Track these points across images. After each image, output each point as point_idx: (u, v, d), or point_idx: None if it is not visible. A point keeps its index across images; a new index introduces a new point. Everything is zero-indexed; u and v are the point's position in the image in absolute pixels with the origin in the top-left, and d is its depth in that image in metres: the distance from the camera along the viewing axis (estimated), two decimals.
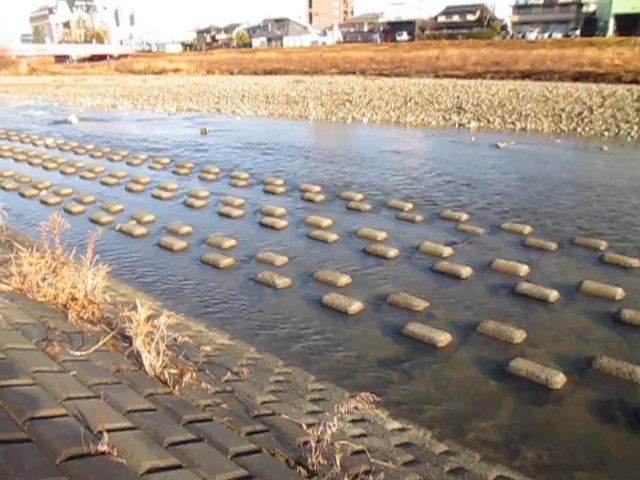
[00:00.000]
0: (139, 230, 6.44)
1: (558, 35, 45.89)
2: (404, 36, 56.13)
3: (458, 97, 20.03)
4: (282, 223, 6.61)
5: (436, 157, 10.88)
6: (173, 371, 2.23)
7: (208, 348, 3.04)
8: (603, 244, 5.72)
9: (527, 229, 6.25)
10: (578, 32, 45.40)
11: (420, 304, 4.39)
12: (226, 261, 5.37)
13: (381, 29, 62.09)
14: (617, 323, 4.06)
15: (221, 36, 77.12)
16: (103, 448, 1.55)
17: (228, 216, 7.06)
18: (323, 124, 17.15)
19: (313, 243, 6.01)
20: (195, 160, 10.89)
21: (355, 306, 4.34)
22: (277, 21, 70.61)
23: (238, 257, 5.54)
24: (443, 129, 14.86)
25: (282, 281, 4.84)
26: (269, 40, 68.99)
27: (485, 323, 4.02)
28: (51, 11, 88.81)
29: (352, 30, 65.89)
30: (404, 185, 8.56)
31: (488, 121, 15.34)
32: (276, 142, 12.90)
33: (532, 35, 47.18)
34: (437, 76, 31.24)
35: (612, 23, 43.76)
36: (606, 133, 13.18)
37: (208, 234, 6.26)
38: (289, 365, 3.42)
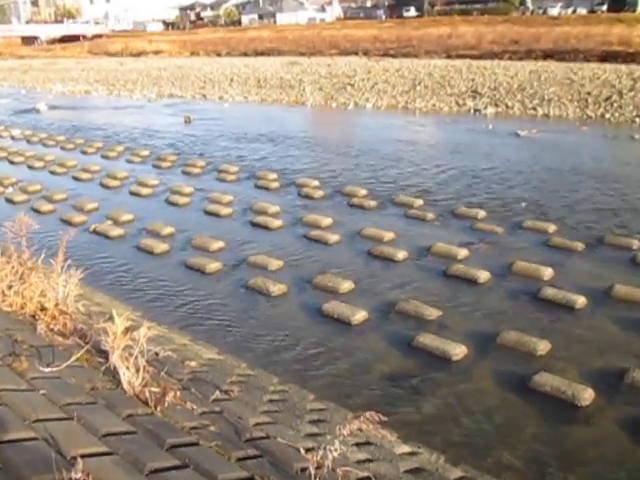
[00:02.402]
0: (116, 231, 6.44)
1: (583, 11, 45.98)
2: (412, 12, 56.20)
3: (473, 80, 20.06)
4: (276, 222, 6.62)
5: (449, 147, 10.90)
6: (154, 389, 2.23)
7: (194, 364, 3.04)
8: (636, 243, 5.73)
9: (551, 227, 6.26)
10: (605, 7, 45.48)
11: (432, 313, 4.39)
12: (213, 266, 5.37)
13: (386, 4, 62.20)
14: None
15: (207, 13, 77.15)
16: (77, 476, 1.55)
17: (215, 215, 7.06)
18: (322, 111, 17.16)
19: (311, 245, 6.01)
20: (178, 152, 10.90)
21: (359, 315, 4.34)
22: None
23: (227, 261, 5.55)
24: (456, 116, 14.89)
25: (277, 288, 4.84)
26: (261, 17, 69.08)
27: (505, 333, 4.02)
28: None
29: (353, 5, 66.02)
30: (413, 179, 8.57)
31: (507, 106, 15.36)
32: (269, 131, 12.91)
33: (554, 10, 47.29)
34: (449, 56, 31.30)
35: None
36: (637, 120, 13.21)
37: (193, 235, 6.26)
38: (285, 382, 3.42)
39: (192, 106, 17.87)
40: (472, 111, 15.29)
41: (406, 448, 2.78)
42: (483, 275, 5.03)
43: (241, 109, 17.25)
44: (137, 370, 2.26)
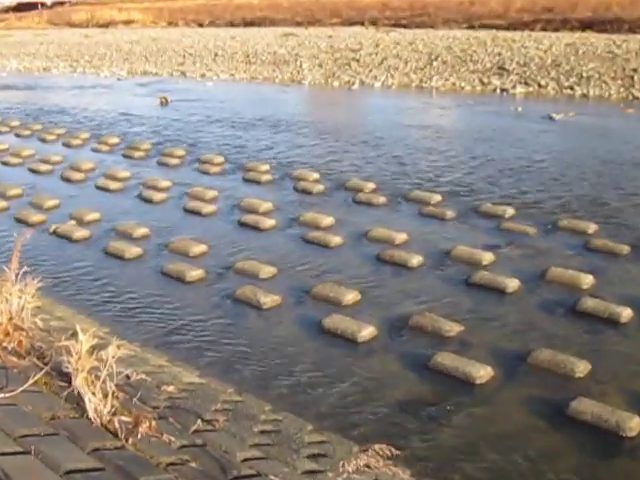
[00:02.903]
0: (80, 233, 6.44)
1: None
2: None
3: (499, 54, 20.11)
4: (269, 222, 6.63)
5: (471, 133, 10.91)
6: (125, 419, 2.24)
7: (172, 389, 3.04)
8: None
9: (591, 228, 6.26)
10: None
11: (452, 328, 4.40)
12: (195, 273, 5.38)
13: None
14: None
15: None
16: None
17: (197, 213, 7.07)
18: (322, 91, 17.20)
19: (310, 248, 6.02)
20: (153, 139, 10.91)
21: (366, 332, 4.35)
22: None
23: (211, 268, 5.55)
24: (480, 96, 14.92)
25: (269, 299, 4.85)
26: None
27: (537, 352, 4.02)
28: None
29: None
30: (430, 171, 8.58)
31: (539, 85, 15.40)
32: (260, 115, 12.94)
33: None
34: (471, 27, 31.36)
35: None
36: None
37: (170, 237, 6.27)
38: (279, 410, 3.43)
39: (169, 85, 17.91)
40: (498, 91, 15.32)
41: None
42: (512, 283, 5.04)
43: (227, 89, 17.29)
44: (105, 396, 2.26)
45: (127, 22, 48.63)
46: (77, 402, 2.33)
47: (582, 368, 3.88)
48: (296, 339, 4.38)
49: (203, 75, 20.02)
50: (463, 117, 12.79)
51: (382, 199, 7.34)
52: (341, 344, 4.29)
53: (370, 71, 18.56)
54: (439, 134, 10.94)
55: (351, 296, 4.90)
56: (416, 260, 5.55)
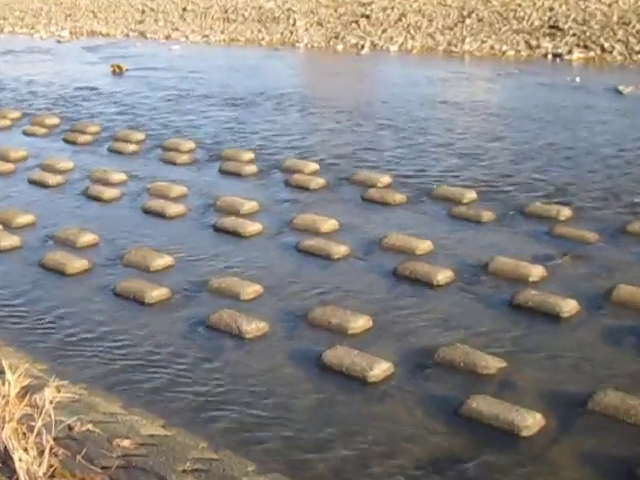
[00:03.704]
0: (8, 240, 6.45)
1: None
2: None
3: (551, 9, 20.16)
4: (253, 227, 6.64)
5: (516, 111, 10.93)
6: None
7: (127, 443, 3.03)
8: None
9: None
10: None
11: (490, 364, 4.38)
12: (157, 293, 5.38)
13: None
14: None
15: None
16: None
17: (160, 215, 7.09)
18: (322, 56, 17.25)
19: (306, 261, 6.03)
20: (103, 120, 10.95)
21: (379, 369, 4.33)
22: None
23: (178, 286, 5.56)
24: (527, 63, 14.95)
25: (253, 327, 4.85)
26: None
27: (601, 394, 4.01)
28: None
29: None
30: (462, 160, 8.59)
31: (602, 49, 15.44)
32: (242, 88, 12.97)
33: None
34: None
35: None
36: None
37: (126, 246, 6.28)
38: (267, 471, 3.41)
39: (124, 50, 17.95)
40: (550, 56, 15.36)
41: None
42: (568, 305, 5.03)
43: (199, 55, 17.31)
44: (40, 453, 2.26)
45: None
46: (3, 461, 2.33)
47: None
48: (288, 378, 4.36)
49: (168, 37, 20.08)
50: (505, 90, 12.81)
51: (399, 197, 7.35)
52: (346, 385, 4.26)
53: (384, 31, 18.61)
54: (473, 112, 10.95)
55: (360, 322, 4.89)
56: (443, 276, 5.54)
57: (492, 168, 8.25)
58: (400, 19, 20.17)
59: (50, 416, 2.34)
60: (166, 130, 10.32)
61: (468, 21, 19.22)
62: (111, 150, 9.47)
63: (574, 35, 16.85)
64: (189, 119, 10.93)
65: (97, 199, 7.61)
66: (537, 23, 18.54)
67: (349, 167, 8.37)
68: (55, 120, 10.96)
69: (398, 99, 11.97)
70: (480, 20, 19.35)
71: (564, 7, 20.52)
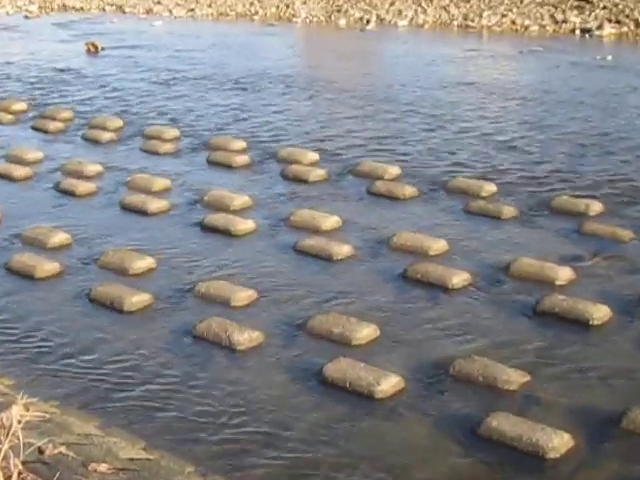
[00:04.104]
0: None
1: None
2: None
3: None
4: (245, 225, 6.63)
5: (551, 95, 10.93)
6: None
7: (104, 468, 3.02)
8: None
9: None
10: None
11: (512, 378, 4.37)
12: (138, 299, 5.37)
13: None
14: None
15: None
16: None
17: (140, 211, 7.08)
18: (323, 33, 17.27)
19: (305, 262, 6.03)
20: (77, 105, 10.96)
21: (387, 384, 4.31)
22: None
23: (161, 291, 5.55)
24: (552, 40, 14.96)
25: (245, 337, 4.83)
26: None
27: (636, 412, 3.99)
28: None
29: None
30: (480, 149, 8.59)
31: (636, 24, 15.43)
32: (240, 69, 13.00)
33: None
34: None
35: None
36: None
37: (101, 247, 6.28)
38: None
39: (100, 26, 17.97)
40: (578, 32, 15.36)
41: None
42: (599, 312, 5.01)
43: (183, 31, 17.33)
44: (7, 478, 2.24)
45: None
46: None
47: None
48: (284, 395, 4.33)
49: (149, 11, 20.09)
50: (533, 70, 12.80)
51: (410, 190, 7.36)
52: (351, 402, 4.24)
53: (392, 4, 18.60)
54: (505, 96, 10.95)
55: (365, 332, 4.87)
56: (459, 279, 5.54)
57: (512, 157, 8.25)
58: None
59: (18, 437, 2.33)
60: (146, 115, 10.34)
61: None
62: (86, 138, 9.47)
63: (605, 8, 16.81)
64: (172, 103, 10.93)
65: (70, 194, 7.59)
66: None
67: (350, 157, 8.37)
68: (22, 105, 10.95)
69: (418, 81, 11.97)
70: None
71: None
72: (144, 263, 5.94)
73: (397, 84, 11.93)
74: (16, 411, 2.37)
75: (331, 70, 13.49)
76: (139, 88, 11.95)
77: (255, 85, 11.88)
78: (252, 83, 11.97)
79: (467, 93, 11.20)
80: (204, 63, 13.58)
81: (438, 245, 6.11)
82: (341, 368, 4.43)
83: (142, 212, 7.06)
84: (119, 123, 9.90)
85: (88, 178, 7.95)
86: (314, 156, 8.38)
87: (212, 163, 8.41)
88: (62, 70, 13.36)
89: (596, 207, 6.79)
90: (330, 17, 17.86)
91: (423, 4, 18.24)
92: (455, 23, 16.68)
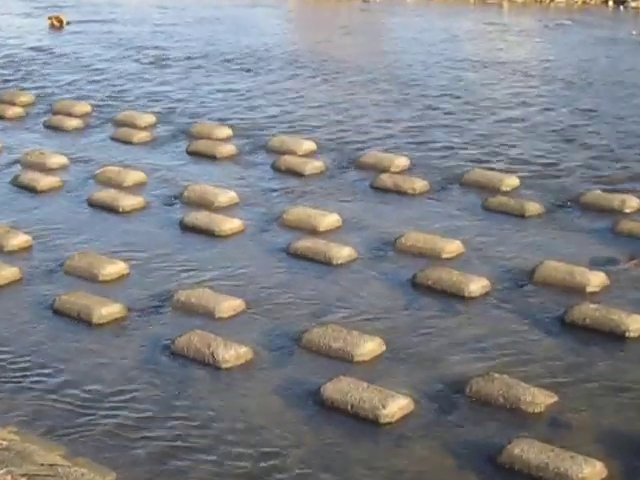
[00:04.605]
0: None
1: None
2: None
3: None
4: (231, 224, 6.66)
5: (567, 74, 10.95)
6: None
7: None
8: None
9: None
10: None
11: (537, 399, 4.37)
12: (109, 311, 5.36)
13: None
14: None
15: None
16: None
17: (111, 209, 7.09)
18: (320, 4, 17.23)
19: (300, 267, 6.05)
20: (38, 88, 10.93)
21: (394, 406, 4.29)
22: None
23: (136, 299, 5.57)
24: (579, 11, 14.95)
25: (232, 353, 4.82)
26: None
27: None
28: None
29: None
30: (500, 136, 8.60)
31: None
32: (227, 47, 12.96)
33: None
34: None
35: None
36: None
37: (67, 250, 6.28)
38: None
39: None
40: (611, 3, 15.34)
41: None
42: (636, 323, 5.03)
43: (166, 2, 17.27)
44: None
45: None
46: None
47: None
48: (278, 419, 4.31)
49: None
50: (563, 48, 12.79)
51: (420, 184, 7.38)
52: (353, 426, 4.23)
53: None
54: (539, 77, 10.96)
55: (369, 347, 4.87)
56: (477, 286, 5.55)
57: (531, 147, 8.27)
58: None
59: None
60: (118, 99, 10.34)
61: None
62: (48, 126, 9.47)
63: None
64: (147, 86, 10.95)
65: (31, 189, 7.58)
66: None
67: (352, 147, 8.38)
68: None
69: (439, 60, 11.99)
70: None
71: None
72: (116, 268, 5.93)
73: (418, 63, 11.93)
74: None
75: (341, 47, 13.50)
76: (110, 67, 11.93)
77: (258, 66, 11.87)
78: (255, 64, 11.96)
79: (501, 74, 11.19)
80: (194, 39, 13.55)
81: (452, 247, 6.12)
82: (342, 388, 4.42)
83: (113, 210, 7.06)
84: (87, 108, 9.88)
85: (52, 171, 7.94)
86: (310, 145, 8.38)
87: (193, 154, 8.41)
88: (20, 46, 13.32)
89: (633, 203, 6.81)
90: None
91: None
92: None
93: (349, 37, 14.59)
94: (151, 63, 12.18)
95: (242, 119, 9.46)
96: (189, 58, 12.38)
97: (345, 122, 9.43)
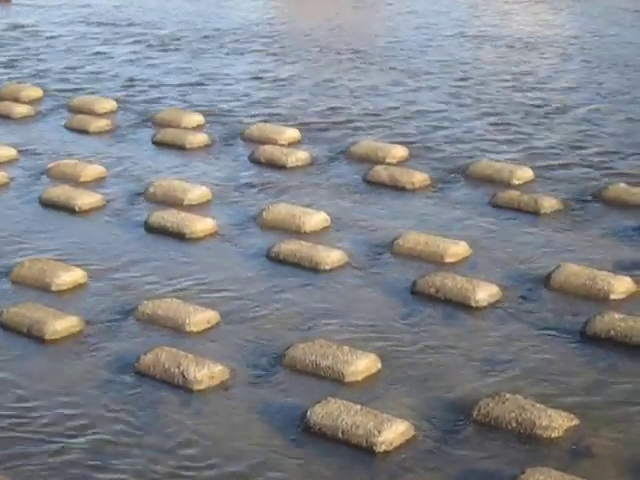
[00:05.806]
0: None
1: None
2: None
3: None
4: (203, 224, 6.68)
5: (586, 52, 11.05)
6: None
7: None
8: None
9: None
10: None
11: (555, 422, 4.33)
12: (64, 325, 5.31)
13: None
14: None
15: None
16: None
17: (66, 208, 7.08)
18: None
19: (282, 273, 6.04)
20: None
21: (390, 433, 4.24)
22: None
23: (93, 313, 5.54)
24: None
25: (205, 373, 4.77)
26: None
27: None
28: None
29: None
30: (508, 123, 8.61)
31: None
32: (188, 19, 13.00)
33: None
34: None
35: None
36: None
37: (16, 256, 6.31)
38: None
39: None
40: None
41: None
42: None
43: None
44: None
45: None
46: None
47: None
48: (258, 449, 4.26)
49: None
50: (567, 19, 12.89)
51: (421, 177, 7.35)
52: (344, 455, 4.21)
53: None
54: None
55: (362, 365, 4.87)
56: (485, 294, 5.58)
57: (551, 134, 8.43)
58: None
59: None
60: (74, 82, 10.62)
61: None
62: None
63: None
64: (107, 67, 11.22)
65: None
66: None
67: (343, 133, 8.40)
68: None
69: (444, 36, 12.16)
70: None
71: None
72: (71, 277, 5.94)
73: (423, 38, 12.09)
74: None
75: (326, 23, 13.69)
76: (65, 45, 12.29)
77: (237, 45, 11.91)
78: (234, 43, 12.00)
79: (515, 52, 11.27)
80: (157, 13, 13.62)
81: (457, 249, 6.13)
82: (331, 412, 4.40)
83: (68, 209, 7.09)
84: (38, 93, 9.93)
85: None
86: (294, 133, 8.36)
87: (160, 144, 8.38)
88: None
89: None
90: None
91: None
92: None
93: (333, 10, 15.10)
94: (112, 41, 12.19)
95: (214, 104, 9.42)
96: (157, 36, 12.41)
97: (335, 108, 9.43)
